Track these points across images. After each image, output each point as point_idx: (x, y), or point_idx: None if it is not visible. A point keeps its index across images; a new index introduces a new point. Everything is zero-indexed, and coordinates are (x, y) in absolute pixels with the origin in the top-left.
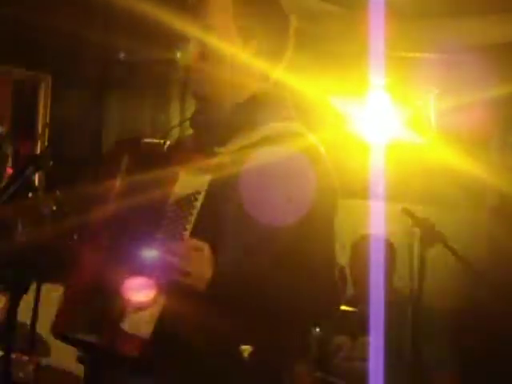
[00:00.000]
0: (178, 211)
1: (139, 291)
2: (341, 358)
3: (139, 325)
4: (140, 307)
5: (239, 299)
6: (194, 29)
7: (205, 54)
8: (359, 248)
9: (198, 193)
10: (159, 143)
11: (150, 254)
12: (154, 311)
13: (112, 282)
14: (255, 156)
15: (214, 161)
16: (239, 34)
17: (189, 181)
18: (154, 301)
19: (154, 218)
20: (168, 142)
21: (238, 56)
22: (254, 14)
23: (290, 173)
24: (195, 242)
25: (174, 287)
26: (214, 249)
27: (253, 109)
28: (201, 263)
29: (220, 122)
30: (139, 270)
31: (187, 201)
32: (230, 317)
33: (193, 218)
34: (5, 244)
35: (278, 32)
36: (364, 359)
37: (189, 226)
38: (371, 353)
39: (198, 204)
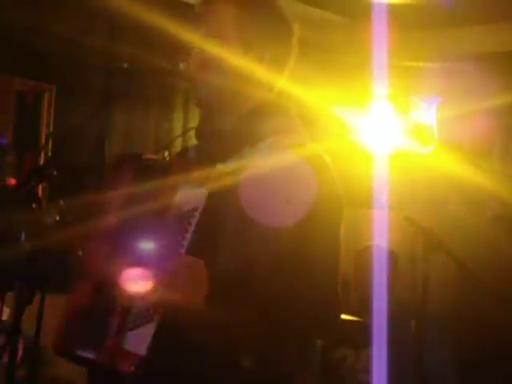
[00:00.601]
0: (175, 227)
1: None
2: (344, 369)
3: (136, 341)
4: (138, 322)
5: (237, 309)
6: (196, 37)
7: (207, 62)
8: (362, 258)
9: (196, 209)
10: (161, 159)
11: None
12: (151, 327)
13: (111, 288)
14: (256, 163)
15: (214, 173)
16: (242, 43)
17: (187, 195)
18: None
19: (151, 233)
20: (168, 157)
21: (240, 65)
22: (257, 22)
23: (289, 179)
24: (190, 260)
25: (169, 305)
26: (213, 260)
27: (257, 120)
28: (196, 281)
29: (224, 133)
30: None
31: (184, 217)
32: (228, 326)
33: (189, 235)
34: (9, 254)
35: (282, 41)
36: (368, 371)
37: (185, 243)
38: (374, 364)
39: (195, 220)
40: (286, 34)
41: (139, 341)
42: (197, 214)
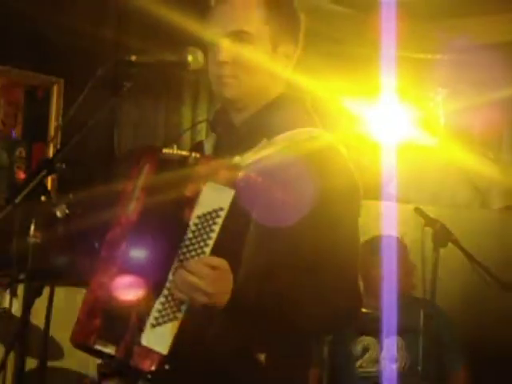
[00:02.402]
0: (199, 227)
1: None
2: (366, 360)
3: (158, 339)
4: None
5: (259, 312)
6: (227, 35)
7: (238, 59)
8: (371, 249)
9: (221, 209)
10: (181, 154)
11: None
12: (174, 326)
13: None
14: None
15: (239, 174)
16: (270, 39)
17: (212, 195)
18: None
19: (175, 233)
20: (194, 155)
21: (269, 61)
22: (280, 17)
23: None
24: (215, 260)
25: (192, 306)
26: (236, 263)
27: (274, 113)
28: (220, 282)
29: (241, 126)
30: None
31: (209, 217)
32: (248, 327)
33: (214, 235)
34: (17, 247)
35: (295, 35)
36: (388, 360)
37: (210, 242)
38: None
39: (221, 220)
40: (298, 28)
41: (160, 338)
42: (222, 214)
